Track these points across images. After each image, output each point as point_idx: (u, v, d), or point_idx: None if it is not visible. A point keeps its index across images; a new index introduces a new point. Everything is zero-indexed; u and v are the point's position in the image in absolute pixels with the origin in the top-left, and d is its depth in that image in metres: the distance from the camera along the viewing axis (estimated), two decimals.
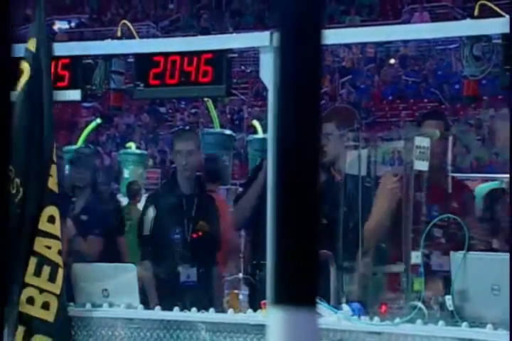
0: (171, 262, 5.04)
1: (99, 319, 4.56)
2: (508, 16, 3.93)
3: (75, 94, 4.90)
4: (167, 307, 4.48)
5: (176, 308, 4.45)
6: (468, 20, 4.19)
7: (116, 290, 4.61)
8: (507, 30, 3.86)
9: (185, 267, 4.99)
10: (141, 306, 4.55)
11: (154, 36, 22.23)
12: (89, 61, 4.89)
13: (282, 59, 0.97)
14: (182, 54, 4.62)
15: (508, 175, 4.59)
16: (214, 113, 8.49)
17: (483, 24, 4.02)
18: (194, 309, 4.42)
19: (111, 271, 4.75)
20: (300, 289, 0.96)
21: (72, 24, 27.94)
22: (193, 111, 21.92)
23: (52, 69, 4.85)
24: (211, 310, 4.39)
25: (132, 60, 4.84)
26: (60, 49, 5.02)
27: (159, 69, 4.67)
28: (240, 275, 5.28)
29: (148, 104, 22.93)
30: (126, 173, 9.93)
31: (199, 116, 21.24)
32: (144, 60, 4.74)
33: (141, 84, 4.71)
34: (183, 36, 7.09)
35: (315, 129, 0.94)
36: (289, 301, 0.95)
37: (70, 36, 25.76)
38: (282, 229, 0.95)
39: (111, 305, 4.59)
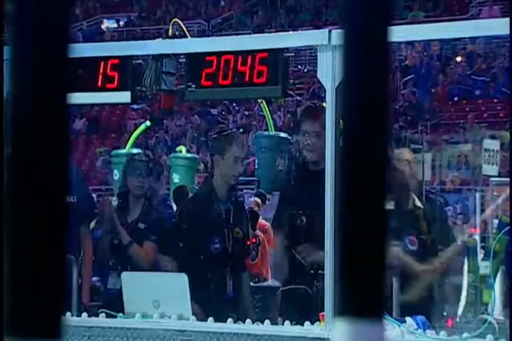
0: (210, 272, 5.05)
1: (149, 330, 4.60)
2: None
3: (124, 96, 4.94)
4: (220, 319, 4.50)
5: (230, 320, 4.46)
6: None
7: (167, 301, 4.65)
8: None
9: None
10: (193, 317, 4.57)
11: (205, 35, 22.35)
12: (139, 61, 4.94)
13: (346, 58, 0.98)
14: (235, 53, 4.64)
15: None
16: (268, 115, 8.49)
17: None
18: (248, 321, 4.43)
19: (162, 280, 4.79)
20: (366, 300, 0.96)
21: (121, 23, 28.24)
22: (246, 113, 21.97)
23: (101, 70, 4.90)
24: (266, 322, 4.40)
25: (184, 60, 4.87)
26: (109, 49, 5.08)
27: (212, 69, 4.69)
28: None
29: (199, 106, 23.05)
30: (176, 178, 9.99)
31: (253, 118, 21.28)
32: (196, 60, 4.77)
33: (193, 85, 4.73)
34: (236, 35, 7.13)
35: (383, 133, 0.94)
36: (355, 312, 0.95)
37: (119, 35, 26.05)
38: (347, 236, 0.95)
39: (162, 315, 4.63)
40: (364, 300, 0.95)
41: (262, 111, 9.93)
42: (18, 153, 0.92)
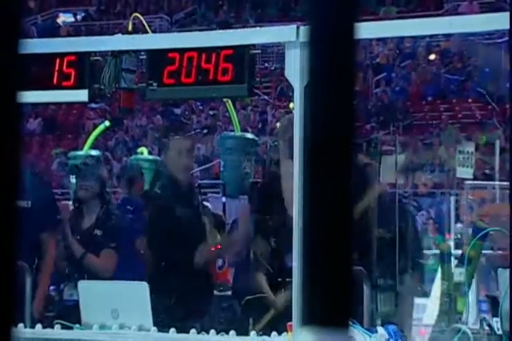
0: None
1: None
2: None
3: (81, 95, 4.91)
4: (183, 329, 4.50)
5: (193, 330, 4.46)
6: None
7: (127, 311, 4.63)
8: None
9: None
10: (154, 328, 4.56)
11: (168, 30, 22.31)
12: (97, 58, 4.91)
13: (312, 55, 0.98)
14: (199, 50, 4.64)
15: None
16: (234, 115, 8.50)
17: None
18: (212, 331, 4.43)
19: (121, 289, 4.77)
20: (333, 309, 0.97)
21: (78, 17, 28.09)
22: (211, 112, 21.95)
23: (57, 67, 4.88)
24: (231, 332, 4.40)
25: (144, 56, 4.85)
26: (65, 45, 5.05)
27: (174, 66, 4.69)
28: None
29: (161, 105, 22.99)
30: None
31: (218, 119, 21.28)
32: (158, 57, 4.76)
33: (155, 84, 4.72)
34: (200, 30, 7.12)
35: (349, 131, 0.95)
36: (321, 322, 0.96)
37: (76, 30, 25.91)
38: (312, 243, 0.96)
39: (121, 326, 4.61)
40: (330, 309, 0.96)
41: (227, 110, 9.94)
42: None
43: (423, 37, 17.07)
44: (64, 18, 27.79)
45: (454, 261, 4.30)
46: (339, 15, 0.96)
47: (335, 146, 0.96)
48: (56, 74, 4.88)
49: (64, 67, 4.88)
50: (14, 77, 0.89)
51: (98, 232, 5.47)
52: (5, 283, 0.90)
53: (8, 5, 0.86)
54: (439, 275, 4.36)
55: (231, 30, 5.30)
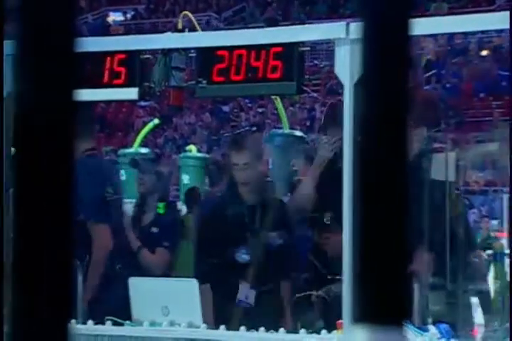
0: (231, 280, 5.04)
1: (158, 339, 4.61)
2: None
3: (131, 93, 4.94)
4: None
5: (243, 328, 4.47)
6: None
7: (177, 308, 4.66)
8: None
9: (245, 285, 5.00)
10: (203, 325, 4.58)
11: (216, 28, 22.37)
12: (147, 56, 4.94)
13: (365, 52, 0.98)
14: (249, 47, 4.64)
15: None
16: (283, 112, 8.50)
17: None
18: (262, 329, 4.44)
19: (171, 286, 4.80)
20: (387, 307, 0.96)
21: (128, 15, 28.30)
22: (259, 110, 21.96)
23: (108, 66, 4.92)
24: (281, 330, 4.40)
25: (194, 54, 4.87)
26: (116, 43, 5.09)
27: (223, 64, 4.70)
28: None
29: (210, 103, 23.07)
30: (186, 179, 10.00)
31: (266, 116, 21.29)
32: (207, 55, 4.77)
33: (204, 81, 4.74)
34: (248, 28, 7.13)
35: (403, 130, 0.94)
36: (374, 320, 0.96)
37: (126, 29, 26.10)
38: (366, 240, 0.95)
39: (171, 323, 4.64)
40: (384, 307, 0.96)
41: (276, 108, 9.94)
42: (23, 152, 0.92)
43: (474, 33, 16.89)
44: (114, 16, 28.02)
45: (506, 260, 4.25)
46: (393, 10, 0.96)
47: (388, 145, 0.96)
48: (107, 72, 4.92)
49: (114, 65, 4.92)
50: (69, 76, 0.90)
51: (155, 230, 5.50)
52: (60, 279, 0.92)
53: (63, 4, 0.87)
54: (491, 274, 4.32)
55: (280, 28, 5.30)
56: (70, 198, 0.91)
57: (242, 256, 5.00)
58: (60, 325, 0.90)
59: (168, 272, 5.39)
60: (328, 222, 4.93)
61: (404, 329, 1.01)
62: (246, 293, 4.98)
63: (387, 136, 0.96)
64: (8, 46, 5.27)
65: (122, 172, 6.59)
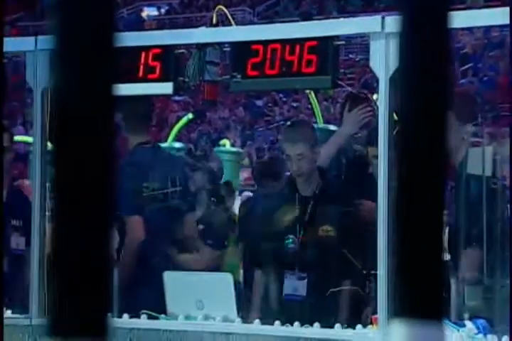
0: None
1: (193, 332, 4.63)
2: None
3: (166, 87, 4.95)
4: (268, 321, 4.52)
5: (277, 322, 4.47)
6: None
7: (211, 302, 4.67)
8: None
9: (292, 278, 4.99)
10: (239, 319, 4.60)
11: (250, 22, 22.36)
12: (182, 51, 4.95)
13: (403, 45, 0.98)
14: (283, 42, 4.63)
15: None
16: (317, 106, 8.48)
17: None
18: (297, 324, 4.44)
19: (205, 280, 4.81)
20: (425, 301, 0.96)
21: (162, 10, 28.38)
22: (293, 104, 21.93)
23: (143, 60, 4.93)
24: (315, 324, 4.40)
25: (228, 49, 4.87)
26: (151, 38, 5.11)
27: (258, 58, 4.69)
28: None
29: (244, 97, 23.08)
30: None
31: (300, 111, 21.25)
32: (242, 49, 4.77)
33: (238, 76, 4.74)
34: (283, 22, 7.12)
35: (442, 125, 0.94)
36: (413, 315, 0.95)
37: (160, 24, 26.18)
38: (404, 235, 0.95)
39: (206, 317, 4.66)
40: (422, 302, 0.95)
41: (310, 102, 9.92)
42: (62, 148, 0.93)
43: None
44: (148, 11, 28.11)
45: None
46: (431, 3, 0.95)
47: (427, 140, 0.96)
48: (142, 67, 4.94)
49: (149, 60, 4.93)
50: (109, 71, 0.91)
51: (200, 227, 5.53)
52: (99, 272, 0.92)
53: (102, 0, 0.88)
54: None
55: (315, 22, 5.29)
56: (109, 193, 0.91)
57: (290, 246, 5.01)
58: (98, 319, 0.91)
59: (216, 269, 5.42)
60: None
61: (442, 323, 1.01)
62: (295, 285, 4.98)
63: (425, 131, 0.95)
64: (44, 41, 5.29)
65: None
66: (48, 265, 0.93)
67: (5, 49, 5.30)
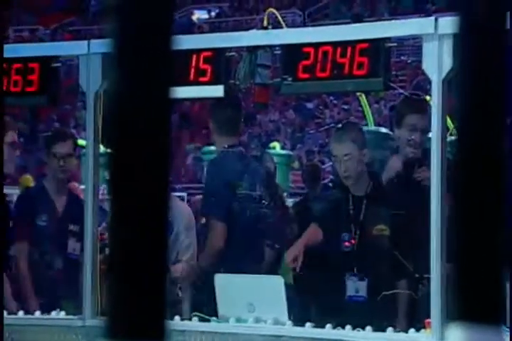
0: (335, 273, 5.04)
1: (244, 335, 4.63)
2: None
3: (217, 90, 4.96)
4: (321, 324, 4.50)
5: (329, 325, 4.46)
6: None
7: (262, 304, 4.67)
8: None
9: (353, 280, 4.96)
10: (289, 322, 4.59)
11: (301, 25, 22.34)
12: (233, 54, 4.96)
13: (461, 47, 0.97)
14: (334, 44, 4.62)
15: None
16: (368, 109, 8.44)
17: None
18: (348, 327, 4.42)
19: (256, 282, 4.82)
20: (484, 306, 0.95)
21: (212, 13, 28.50)
22: (344, 107, 21.85)
23: (194, 63, 4.96)
24: (368, 328, 4.38)
25: (279, 51, 4.87)
26: (202, 41, 5.13)
27: (309, 61, 4.69)
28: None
29: (294, 100, 23.06)
30: None
31: (351, 113, 21.18)
32: (293, 52, 4.77)
33: (289, 78, 4.74)
34: (333, 24, 7.10)
35: (500, 126, 0.93)
36: (471, 319, 0.94)
37: (210, 27, 26.29)
38: (463, 240, 0.94)
39: (257, 320, 4.66)
40: (481, 306, 0.94)
41: (360, 105, 9.88)
42: (119, 151, 0.94)
43: None
44: (198, 14, 28.24)
45: None
46: (489, 4, 0.95)
47: (485, 142, 0.95)
48: (193, 70, 4.96)
49: (200, 63, 4.95)
50: (166, 74, 0.92)
51: (259, 226, 5.53)
52: (156, 276, 0.93)
53: (160, 2, 0.88)
54: None
55: (366, 24, 5.26)
56: (165, 196, 0.92)
57: (345, 244, 5.00)
58: (156, 322, 0.91)
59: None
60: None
61: (500, 328, 1.00)
62: (356, 286, 4.96)
63: (483, 133, 0.94)
64: (96, 45, 5.33)
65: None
66: (105, 268, 0.94)
67: (58, 53, 5.37)
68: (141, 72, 0.92)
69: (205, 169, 6.58)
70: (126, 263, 0.92)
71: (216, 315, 4.78)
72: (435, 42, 4.23)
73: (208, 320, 4.78)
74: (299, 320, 4.64)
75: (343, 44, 4.58)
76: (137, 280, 0.91)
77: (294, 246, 5.06)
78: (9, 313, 5.00)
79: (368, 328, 4.38)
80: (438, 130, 4.21)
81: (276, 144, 11.74)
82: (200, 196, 6.75)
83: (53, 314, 5.02)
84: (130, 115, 0.94)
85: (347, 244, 5.01)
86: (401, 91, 5.91)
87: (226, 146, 5.50)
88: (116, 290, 0.91)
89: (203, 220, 5.50)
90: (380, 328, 4.42)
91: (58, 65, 5.24)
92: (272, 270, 5.43)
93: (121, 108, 0.94)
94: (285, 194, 8.43)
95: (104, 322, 0.94)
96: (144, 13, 0.91)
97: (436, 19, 4.28)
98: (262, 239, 5.52)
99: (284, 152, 11.73)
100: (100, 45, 5.05)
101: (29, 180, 9.28)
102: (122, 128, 0.95)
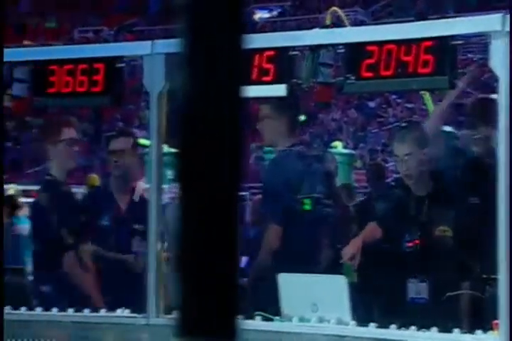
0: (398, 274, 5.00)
1: (307, 335, 4.63)
2: None
3: (279, 89, 4.97)
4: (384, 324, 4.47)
5: (393, 326, 4.43)
6: None
7: (325, 304, 4.66)
8: None
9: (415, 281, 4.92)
10: (353, 322, 4.57)
11: (363, 23, 22.24)
12: (296, 53, 4.96)
13: None
14: (398, 42, 4.59)
15: None
16: (432, 107, 8.36)
17: None
18: (413, 327, 4.38)
19: (320, 282, 4.81)
20: None
21: (274, 13, 28.52)
22: (407, 105, 21.68)
23: (256, 62, 4.96)
24: (433, 329, 4.34)
25: (342, 50, 4.86)
26: (264, 40, 5.14)
27: (373, 59, 4.66)
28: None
29: (356, 99, 22.97)
30: None
31: (414, 112, 21.01)
32: (356, 50, 4.75)
33: (352, 77, 4.72)
34: (397, 22, 7.06)
35: None
36: None
37: (272, 26, 26.32)
38: None
39: (320, 320, 4.65)
40: None
41: (424, 103, 9.79)
42: (189, 150, 0.94)
43: None
44: (260, 14, 28.30)
45: None
46: None
47: None
48: (256, 69, 4.97)
49: (263, 62, 4.96)
50: (237, 72, 0.92)
51: (319, 226, 5.52)
52: (226, 274, 0.93)
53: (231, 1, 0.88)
54: None
55: (431, 21, 5.21)
56: (236, 194, 0.92)
57: (407, 245, 4.96)
58: (228, 320, 0.91)
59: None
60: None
61: None
62: (417, 288, 4.92)
63: None
64: (160, 45, 5.38)
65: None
66: (174, 267, 0.94)
67: (122, 53, 5.43)
68: (212, 71, 0.92)
69: (264, 169, 6.59)
70: (197, 261, 0.93)
71: (279, 315, 4.78)
72: (503, 39, 4.17)
73: (271, 320, 4.78)
74: (360, 320, 4.62)
75: (408, 42, 4.55)
76: (208, 279, 0.92)
77: (351, 244, 5.05)
78: (91, 310, 5.08)
79: (434, 329, 4.34)
80: (505, 128, 4.15)
81: (338, 143, 11.72)
82: (260, 195, 6.76)
83: (118, 312, 5.07)
84: (202, 114, 0.94)
85: (409, 244, 4.97)
86: (468, 89, 5.85)
87: (287, 146, 5.49)
88: (187, 288, 0.92)
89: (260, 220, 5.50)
90: (445, 329, 4.37)
91: (122, 65, 5.29)
92: (333, 270, 5.42)
93: (193, 107, 0.95)
94: (353, 192, 8.38)
95: (175, 321, 0.94)
96: (215, 12, 0.91)
97: (503, 16, 4.22)
98: (323, 238, 5.50)
99: (346, 151, 11.70)
100: (164, 46, 5.09)
101: (95, 179, 9.39)
102: (192, 128, 0.95)
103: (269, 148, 8.92)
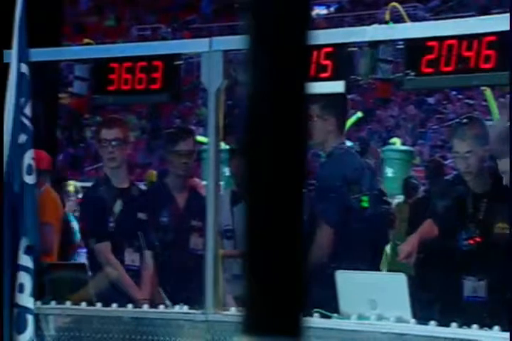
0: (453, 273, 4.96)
1: (366, 333, 4.61)
2: None
3: (338, 86, 4.95)
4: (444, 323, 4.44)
5: (454, 324, 4.39)
6: None
7: (385, 302, 4.64)
8: None
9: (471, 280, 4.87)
10: (413, 320, 4.54)
11: (423, 19, 22.05)
12: (354, 49, 4.94)
13: None
14: (460, 37, 4.54)
15: None
16: (493, 104, 8.26)
17: None
18: (475, 326, 4.34)
19: (379, 280, 4.78)
20: None
21: (331, 9, 28.42)
22: (468, 101, 21.44)
23: (314, 59, 4.95)
24: (495, 328, 4.29)
25: (402, 46, 4.82)
26: (322, 37, 5.12)
27: (433, 55, 4.62)
28: None
29: (414, 95, 22.78)
30: (389, 172, 9.94)
31: (474, 108, 20.77)
32: (416, 46, 4.71)
33: (412, 73, 4.68)
34: (457, 17, 6.98)
35: None
36: None
37: (330, 22, 26.23)
38: None
39: (379, 317, 4.62)
40: None
41: (485, 99, 9.67)
42: (256, 146, 0.94)
43: None
44: (318, 10, 28.22)
45: None
46: None
47: None
48: (313, 66, 4.96)
49: (321, 58, 4.95)
50: (303, 69, 0.91)
51: (358, 225, 5.48)
52: (294, 273, 0.93)
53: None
54: None
55: (492, 16, 5.15)
56: (301, 193, 0.92)
57: (465, 243, 4.91)
58: (294, 319, 0.92)
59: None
60: None
61: None
62: (474, 287, 4.87)
63: None
64: (218, 42, 5.39)
65: (388, 169, 6.59)
66: (242, 264, 0.94)
67: (181, 51, 5.46)
68: (277, 68, 0.92)
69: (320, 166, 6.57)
70: (264, 259, 0.93)
71: (337, 312, 4.76)
72: None
73: (330, 317, 4.77)
74: (419, 318, 4.59)
75: (469, 37, 4.50)
76: (275, 277, 0.92)
77: (408, 241, 5.01)
78: (135, 306, 5.13)
79: (496, 328, 4.29)
80: None
81: (396, 140, 11.64)
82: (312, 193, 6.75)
83: (177, 308, 5.11)
84: (267, 113, 0.94)
85: (468, 242, 4.92)
86: None
87: (341, 143, 5.46)
88: (254, 286, 0.92)
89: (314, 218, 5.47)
90: (505, 328, 4.32)
91: (181, 62, 5.32)
92: (390, 267, 5.39)
93: (257, 104, 0.95)
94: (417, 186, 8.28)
95: (242, 318, 0.94)
96: (279, 9, 0.91)
97: None
98: (381, 236, 5.47)
99: (405, 148, 11.62)
100: (221, 43, 5.10)
101: (154, 175, 9.46)
102: (258, 126, 0.95)
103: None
